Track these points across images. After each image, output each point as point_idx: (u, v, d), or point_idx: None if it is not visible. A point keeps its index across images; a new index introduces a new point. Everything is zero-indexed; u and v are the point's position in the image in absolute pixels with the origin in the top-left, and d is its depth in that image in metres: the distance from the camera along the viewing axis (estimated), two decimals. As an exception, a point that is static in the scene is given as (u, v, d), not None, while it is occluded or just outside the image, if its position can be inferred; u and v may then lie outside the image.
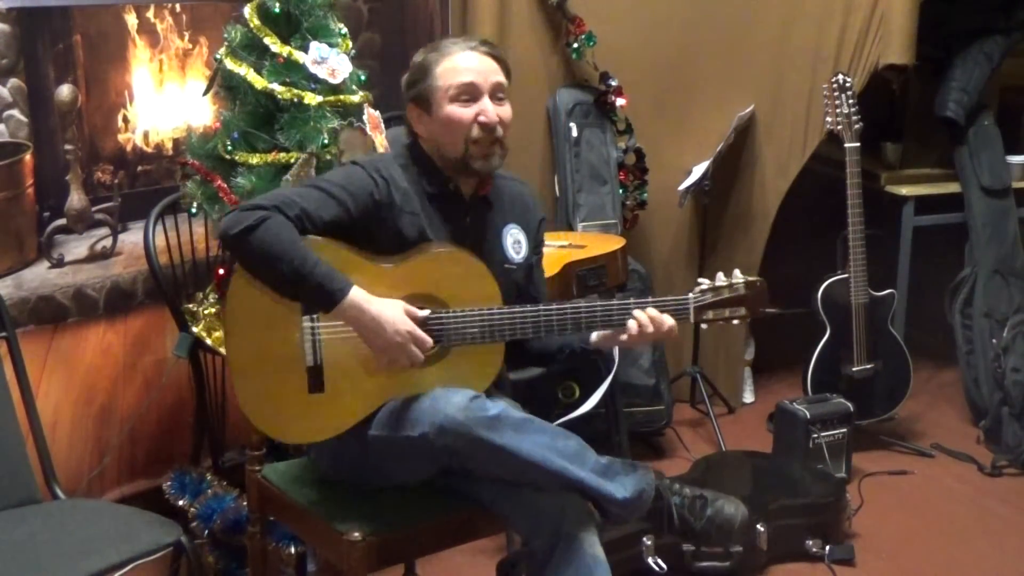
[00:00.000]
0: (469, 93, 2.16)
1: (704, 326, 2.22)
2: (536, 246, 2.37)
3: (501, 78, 2.20)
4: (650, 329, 2.13)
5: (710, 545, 2.85)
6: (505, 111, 2.20)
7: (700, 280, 2.21)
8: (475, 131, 2.15)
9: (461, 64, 2.17)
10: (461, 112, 2.16)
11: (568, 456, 2.06)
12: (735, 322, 2.22)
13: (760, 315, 2.22)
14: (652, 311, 2.14)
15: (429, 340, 2.08)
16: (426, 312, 2.10)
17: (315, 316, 2.09)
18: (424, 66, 2.20)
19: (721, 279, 2.20)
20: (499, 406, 2.06)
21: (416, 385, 2.11)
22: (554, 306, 2.14)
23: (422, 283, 2.13)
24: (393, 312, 2.06)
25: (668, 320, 2.14)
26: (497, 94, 2.19)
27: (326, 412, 2.12)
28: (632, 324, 2.13)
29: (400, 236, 2.15)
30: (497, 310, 2.13)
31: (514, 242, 2.30)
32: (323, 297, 2.04)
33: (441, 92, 2.17)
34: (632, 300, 2.16)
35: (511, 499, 2.09)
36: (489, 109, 2.16)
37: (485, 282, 2.16)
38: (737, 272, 2.22)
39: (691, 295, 2.18)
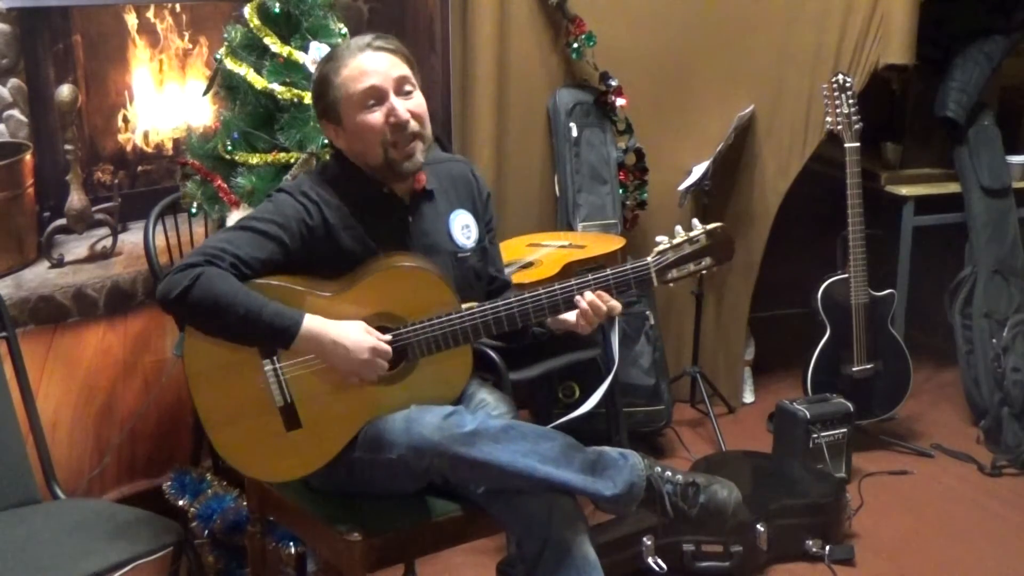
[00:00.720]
0: (374, 97, 2.09)
1: (671, 285, 2.15)
2: (487, 223, 2.32)
3: (403, 70, 2.12)
4: (592, 313, 2.09)
5: (706, 531, 2.84)
6: (415, 103, 2.12)
7: (658, 239, 2.12)
8: (389, 134, 2.09)
9: (359, 69, 2.09)
10: (371, 118, 2.09)
11: (552, 459, 2.02)
12: (703, 273, 2.14)
13: (727, 261, 2.14)
14: (589, 295, 2.09)
15: (390, 349, 2.05)
16: (387, 337, 2.07)
17: (275, 356, 2.06)
18: (324, 80, 2.13)
19: (680, 233, 2.12)
20: (476, 419, 2.03)
21: (392, 403, 2.09)
22: (513, 299, 2.10)
23: (376, 303, 2.09)
24: (352, 331, 2.03)
25: (604, 305, 2.09)
26: (403, 88, 2.12)
27: (309, 445, 2.10)
28: (579, 316, 2.10)
29: (344, 254, 2.12)
30: (456, 315, 2.08)
31: (463, 227, 2.25)
32: (278, 336, 2.01)
33: (346, 103, 2.10)
34: (591, 276, 2.10)
35: (501, 503, 2.07)
36: (398, 108, 2.09)
37: (437, 289, 2.11)
38: (696, 222, 2.14)
39: (650, 259, 2.10)
